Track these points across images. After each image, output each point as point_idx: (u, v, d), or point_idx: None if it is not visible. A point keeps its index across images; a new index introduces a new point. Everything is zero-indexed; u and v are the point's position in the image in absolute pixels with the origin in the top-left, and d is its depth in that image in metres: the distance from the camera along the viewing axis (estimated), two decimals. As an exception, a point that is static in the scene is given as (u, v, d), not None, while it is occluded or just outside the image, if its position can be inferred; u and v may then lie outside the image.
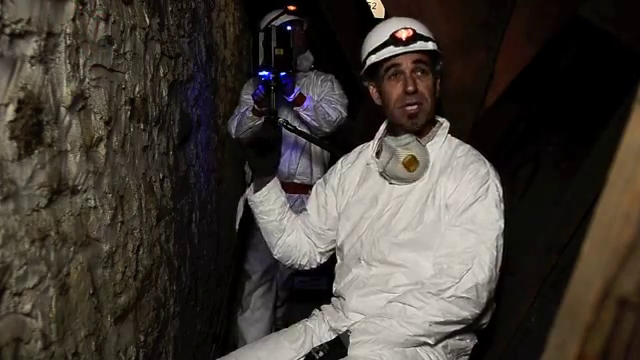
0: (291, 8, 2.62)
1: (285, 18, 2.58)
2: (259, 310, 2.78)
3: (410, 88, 1.41)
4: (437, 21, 1.82)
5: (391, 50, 1.43)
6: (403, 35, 1.42)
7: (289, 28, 2.22)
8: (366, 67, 1.49)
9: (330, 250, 1.68)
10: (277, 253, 1.67)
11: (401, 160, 1.43)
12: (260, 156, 1.59)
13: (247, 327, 2.76)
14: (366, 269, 1.47)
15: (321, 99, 2.55)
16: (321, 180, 1.69)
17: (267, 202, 1.60)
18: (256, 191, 1.61)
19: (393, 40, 1.43)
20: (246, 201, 1.70)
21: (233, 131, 2.59)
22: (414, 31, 1.42)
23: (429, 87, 1.44)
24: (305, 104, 2.45)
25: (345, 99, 2.60)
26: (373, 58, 1.46)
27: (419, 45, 1.42)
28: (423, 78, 1.43)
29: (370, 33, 1.51)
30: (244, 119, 2.51)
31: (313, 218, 1.64)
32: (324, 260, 1.70)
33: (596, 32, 1.65)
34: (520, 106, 2.17)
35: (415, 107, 1.43)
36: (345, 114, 2.55)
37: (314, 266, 1.70)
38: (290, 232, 1.63)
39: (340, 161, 1.68)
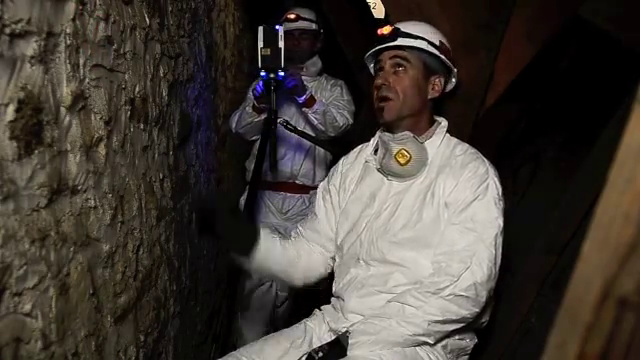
0: (291, 17, 2.62)
1: (291, 25, 2.60)
2: (259, 310, 2.78)
3: (378, 81, 1.47)
4: (437, 21, 1.82)
5: (375, 46, 1.51)
6: (385, 32, 1.49)
7: (277, 27, 2.21)
8: (368, 64, 1.59)
9: None
10: (300, 283, 1.65)
11: (393, 154, 1.45)
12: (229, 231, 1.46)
13: (247, 327, 2.76)
14: (365, 269, 1.47)
15: (329, 103, 2.57)
16: (324, 182, 1.69)
17: (266, 259, 1.54)
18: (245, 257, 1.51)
19: (376, 37, 1.51)
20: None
21: (234, 125, 2.61)
22: (395, 28, 1.48)
23: (405, 84, 1.46)
24: (315, 107, 2.46)
25: (352, 106, 2.64)
26: (367, 54, 1.56)
27: (398, 41, 1.46)
28: (401, 74, 1.46)
29: None
30: (244, 114, 2.53)
31: (323, 222, 1.62)
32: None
33: (596, 32, 1.65)
34: (520, 106, 2.17)
35: (382, 103, 1.47)
36: (351, 121, 2.59)
37: (329, 271, 1.67)
38: (299, 258, 1.60)
39: (341, 161, 1.69)
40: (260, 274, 1.58)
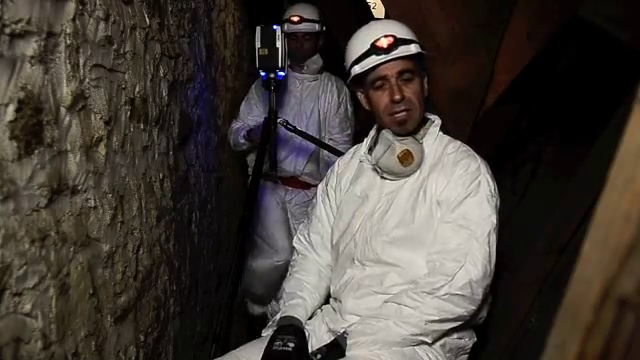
0: (294, 19, 2.61)
1: (295, 27, 2.60)
2: (266, 274, 2.73)
3: (397, 97, 1.41)
4: (437, 21, 1.83)
5: (374, 60, 1.41)
6: (384, 43, 1.40)
7: (275, 27, 2.21)
8: (351, 77, 1.48)
9: None
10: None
11: (397, 153, 1.43)
12: None
13: (255, 283, 2.74)
14: (360, 270, 1.47)
15: (336, 115, 2.67)
16: (322, 184, 1.69)
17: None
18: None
19: (374, 49, 1.41)
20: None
21: (230, 142, 2.70)
22: (395, 37, 1.41)
23: (416, 92, 1.43)
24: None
25: (353, 116, 2.74)
26: (357, 69, 1.44)
27: (401, 51, 1.40)
28: (409, 84, 1.43)
29: (351, 41, 1.48)
30: (238, 140, 2.60)
31: (324, 224, 1.62)
32: None
33: (596, 32, 1.65)
34: (520, 106, 2.16)
35: (404, 114, 1.43)
36: (353, 130, 2.70)
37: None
38: (322, 278, 1.60)
39: (337, 162, 1.69)
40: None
